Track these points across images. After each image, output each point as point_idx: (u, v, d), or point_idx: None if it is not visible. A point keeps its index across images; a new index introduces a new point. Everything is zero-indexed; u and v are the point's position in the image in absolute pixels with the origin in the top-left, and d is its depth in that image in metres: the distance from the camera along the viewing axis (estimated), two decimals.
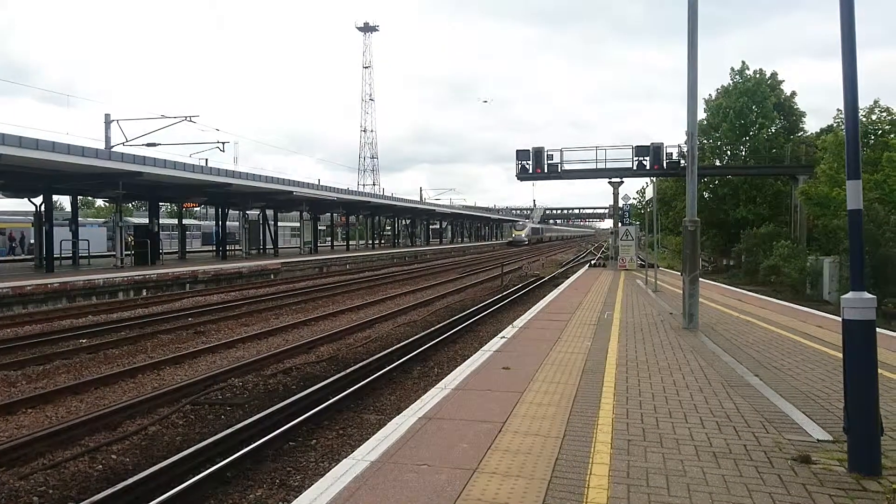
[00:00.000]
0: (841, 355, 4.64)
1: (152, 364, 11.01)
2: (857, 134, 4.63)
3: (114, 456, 6.81)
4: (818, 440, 5.11)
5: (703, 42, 11.50)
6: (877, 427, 4.33)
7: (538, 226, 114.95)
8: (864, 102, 30.71)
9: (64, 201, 61.71)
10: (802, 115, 40.39)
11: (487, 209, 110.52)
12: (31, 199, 30.16)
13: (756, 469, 4.50)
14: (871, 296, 4.38)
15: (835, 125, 33.56)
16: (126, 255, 29.51)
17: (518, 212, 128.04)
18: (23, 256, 39.24)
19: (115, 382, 9.93)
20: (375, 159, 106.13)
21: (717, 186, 40.30)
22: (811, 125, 70.80)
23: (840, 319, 4.59)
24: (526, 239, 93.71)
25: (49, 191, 27.13)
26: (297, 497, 4.21)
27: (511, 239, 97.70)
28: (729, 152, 40.83)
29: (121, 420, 7.91)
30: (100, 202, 76.78)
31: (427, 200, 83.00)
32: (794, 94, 40.25)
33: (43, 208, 28.06)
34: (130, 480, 5.69)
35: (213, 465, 6.17)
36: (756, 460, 4.67)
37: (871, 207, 22.80)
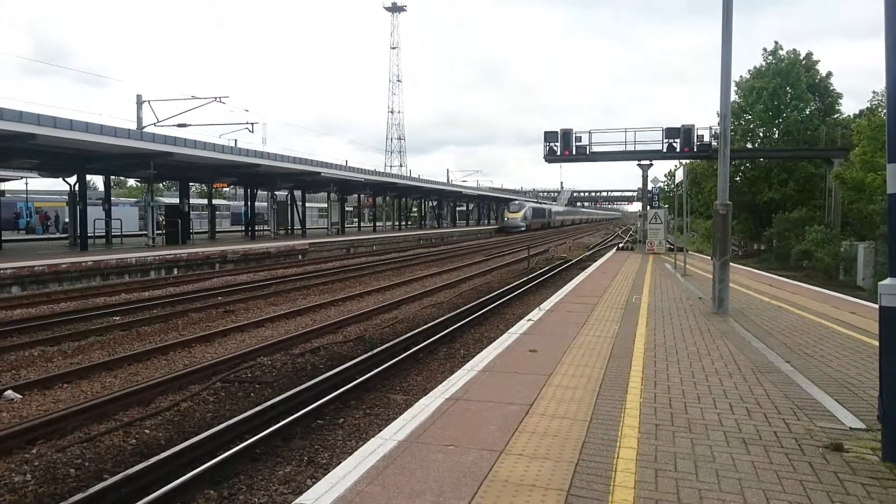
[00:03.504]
0: (875, 343, 4.56)
1: (183, 342, 11.21)
2: None
3: (147, 431, 6.97)
4: (851, 428, 5.03)
5: (734, 23, 11.22)
6: None
7: (544, 206, 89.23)
8: None
9: (97, 181, 62.96)
10: (839, 96, 39.38)
11: (514, 191, 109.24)
12: (66, 179, 30.83)
13: (786, 456, 4.45)
14: None
15: (871, 106, 32.64)
16: (157, 234, 30.03)
17: (545, 194, 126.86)
18: (57, 235, 40.13)
19: (148, 359, 10.15)
20: (403, 141, 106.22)
21: (747, 169, 39.54)
22: (849, 107, 68.98)
23: (876, 306, 4.49)
24: (523, 224, 71.68)
25: (83, 171, 27.61)
26: (326, 474, 4.27)
27: (503, 223, 73.86)
28: (761, 134, 40.01)
29: (154, 396, 8.09)
30: (132, 182, 78.02)
31: (454, 182, 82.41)
32: (829, 74, 39.20)
33: (77, 188, 28.61)
34: (164, 455, 5.83)
35: (244, 442, 6.29)
36: (786, 447, 4.62)
37: None
